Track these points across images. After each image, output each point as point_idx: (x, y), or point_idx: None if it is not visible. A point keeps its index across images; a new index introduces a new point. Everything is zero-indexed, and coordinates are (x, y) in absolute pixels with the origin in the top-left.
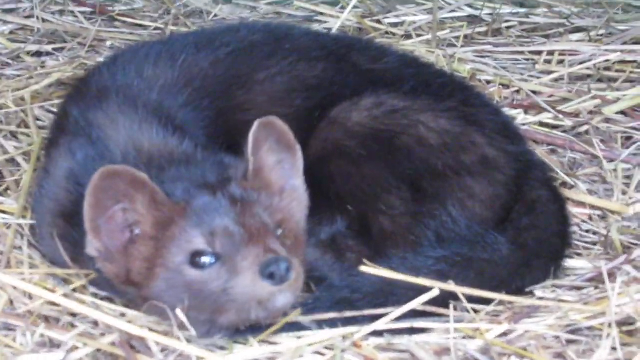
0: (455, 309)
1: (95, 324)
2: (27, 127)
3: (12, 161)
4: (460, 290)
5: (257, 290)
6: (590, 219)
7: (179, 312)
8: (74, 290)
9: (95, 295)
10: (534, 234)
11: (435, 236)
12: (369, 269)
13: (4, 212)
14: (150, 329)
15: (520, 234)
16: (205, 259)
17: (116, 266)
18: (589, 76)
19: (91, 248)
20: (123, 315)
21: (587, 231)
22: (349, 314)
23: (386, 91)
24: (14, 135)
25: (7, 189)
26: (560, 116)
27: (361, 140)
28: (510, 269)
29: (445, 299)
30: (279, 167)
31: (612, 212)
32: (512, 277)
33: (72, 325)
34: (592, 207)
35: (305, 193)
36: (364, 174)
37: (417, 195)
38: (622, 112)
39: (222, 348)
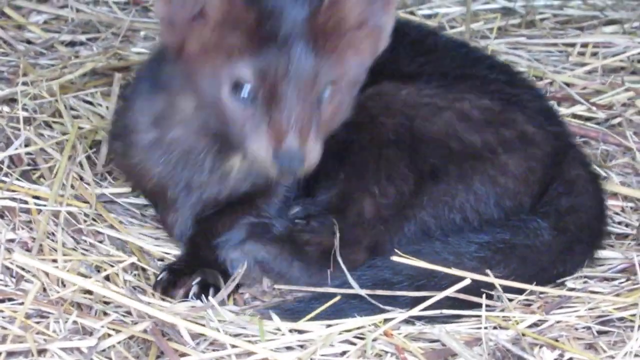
0: (490, 297)
1: (128, 311)
2: (60, 116)
3: (44, 151)
4: (494, 281)
5: (267, 162)
6: (623, 210)
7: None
8: (107, 277)
9: (127, 283)
10: (575, 217)
11: (452, 223)
12: (399, 258)
13: (37, 197)
14: (183, 317)
15: (562, 218)
16: (244, 93)
17: (175, 35)
18: (622, 68)
19: (159, 9)
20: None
21: (620, 223)
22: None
23: (434, 73)
24: (47, 125)
25: (40, 176)
26: (594, 108)
27: (397, 118)
28: (552, 255)
29: (478, 287)
30: (365, 1)
31: None
32: (554, 263)
33: (105, 313)
34: (625, 198)
35: (388, 37)
36: (380, 152)
37: (428, 185)
38: None
39: (253, 335)
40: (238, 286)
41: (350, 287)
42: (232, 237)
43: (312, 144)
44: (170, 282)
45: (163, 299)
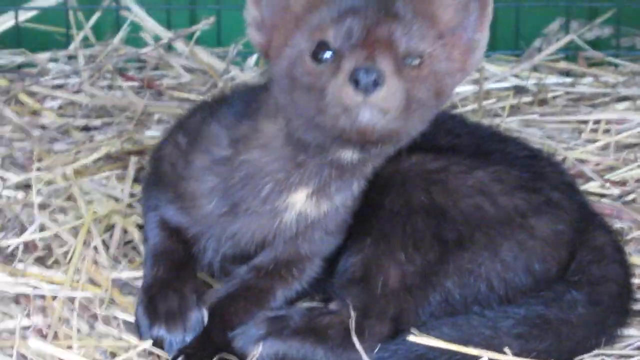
0: None
1: None
2: (75, 201)
3: (59, 236)
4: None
5: (343, 94)
6: (639, 287)
7: None
8: None
9: None
10: (607, 287)
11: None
12: (417, 338)
13: (52, 283)
14: None
15: (595, 289)
16: (326, 54)
17: (263, 36)
18: (635, 144)
19: (248, 15)
20: None
21: (636, 300)
22: None
23: (465, 147)
24: (62, 210)
25: (55, 261)
26: (607, 185)
27: (428, 182)
28: (587, 329)
29: None
30: (459, 10)
31: None
32: (588, 337)
33: None
34: None
35: (480, 58)
36: (407, 219)
37: (454, 252)
38: None
39: None
40: None
41: None
42: (250, 332)
43: (392, 75)
44: None
45: None
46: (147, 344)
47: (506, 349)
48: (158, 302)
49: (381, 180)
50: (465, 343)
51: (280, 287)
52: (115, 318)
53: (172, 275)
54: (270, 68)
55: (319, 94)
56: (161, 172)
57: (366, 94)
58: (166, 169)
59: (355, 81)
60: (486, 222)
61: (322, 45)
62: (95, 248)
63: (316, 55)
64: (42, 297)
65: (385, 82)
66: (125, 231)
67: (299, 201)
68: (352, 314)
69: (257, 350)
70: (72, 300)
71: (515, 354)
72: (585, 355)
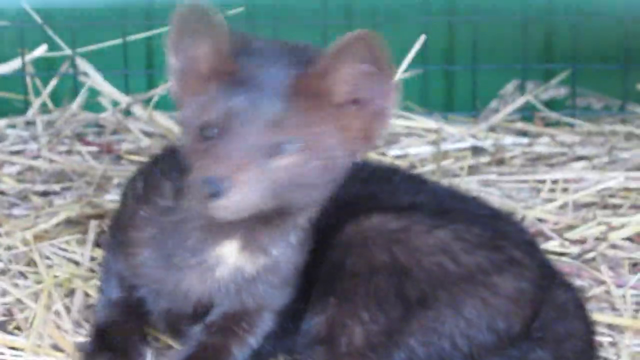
0: None
1: None
2: (35, 265)
3: (20, 301)
4: None
5: (194, 190)
6: (601, 345)
7: None
8: None
9: None
10: (572, 345)
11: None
12: None
13: (14, 348)
14: None
15: (560, 346)
16: (210, 132)
17: (179, 85)
18: (593, 203)
19: (169, 63)
20: None
21: (599, 357)
22: None
23: (427, 205)
24: (22, 274)
25: (16, 326)
26: (567, 243)
27: (390, 241)
28: None
29: None
30: (361, 81)
31: (624, 330)
32: None
33: None
34: (602, 333)
35: (387, 125)
36: (370, 278)
37: (417, 311)
38: (629, 238)
39: None
40: None
41: None
42: None
43: (245, 182)
44: None
45: None
46: None
47: None
48: (105, 341)
49: (343, 240)
50: None
51: (234, 343)
52: None
53: (122, 319)
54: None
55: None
56: (113, 222)
57: (211, 200)
58: (116, 217)
59: (207, 185)
60: (449, 280)
61: (207, 123)
62: (57, 312)
63: (202, 131)
64: None
65: (230, 192)
66: (86, 294)
67: (231, 255)
68: None
69: None
70: None
71: None
72: None
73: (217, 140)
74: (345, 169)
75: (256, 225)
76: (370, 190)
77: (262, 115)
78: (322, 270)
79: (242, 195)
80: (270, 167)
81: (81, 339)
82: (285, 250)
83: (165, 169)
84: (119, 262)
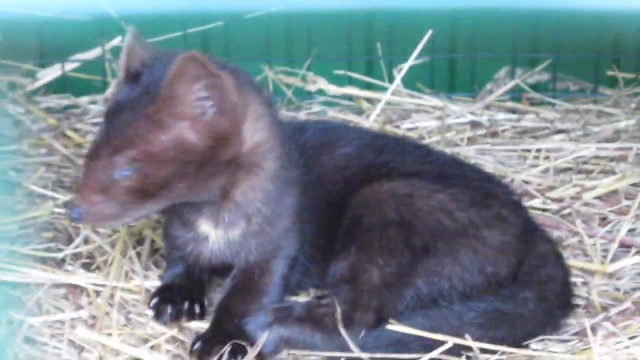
0: (468, 358)
1: None
2: None
3: (100, 247)
4: (471, 344)
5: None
6: (575, 285)
7: None
8: (152, 347)
9: (168, 352)
10: (552, 286)
11: (442, 289)
12: (395, 326)
13: (96, 284)
14: None
15: (542, 287)
16: None
17: None
18: (570, 169)
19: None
20: None
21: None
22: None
23: (429, 172)
24: None
25: (97, 267)
26: (548, 201)
27: (398, 201)
28: (536, 321)
29: (460, 349)
30: (204, 94)
31: (594, 273)
32: (537, 327)
33: None
34: (576, 275)
35: (232, 113)
36: (383, 232)
37: (422, 257)
38: (599, 198)
39: None
40: (261, 355)
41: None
42: (259, 319)
43: (93, 203)
44: (204, 350)
45: None
46: (174, 331)
47: (467, 336)
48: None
49: (360, 201)
50: (435, 331)
51: (260, 283)
52: (146, 314)
53: (183, 278)
54: None
55: None
56: None
57: (78, 221)
58: None
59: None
60: (447, 233)
61: None
62: (130, 257)
63: None
64: (88, 295)
65: (85, 212)
66: (153, 242)
67: (211, 231)
68: (338, 308)
69: (265, 335)
70: (112, 297)
71: (476, 340)
72: (532, 340)
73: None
74: (210, 163)
75: (209, 209)
76: (384, 159)
77: (96, 144)
78: (343, 226)
79: (98, 213)
80: (115, 188)
81: (149, 281)
82: (255, 219)
83: None
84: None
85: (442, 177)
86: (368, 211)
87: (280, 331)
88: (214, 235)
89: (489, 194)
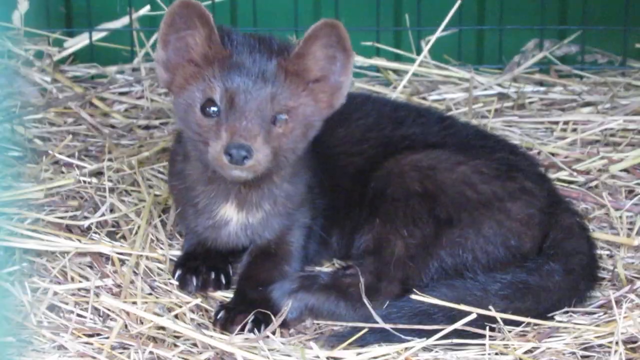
0: (492, 329)
1: (194, 343)
2: (138, 186)
3: (126, 215)
4: (495, 314)
5: (220, 160)
6: (600, 257)
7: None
8: (176, 316)
9: (193, 320)
10: (578, 259)
11: (465, 261)
12: (419, 297)
13: (120, 254)
14: (239, 347)
15: (568, 260)
16: (213, 109)
17: (168, 75)
18: (597, 141)
19: (157, 55)
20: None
21: (599, 268)
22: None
23: (453, 143)
24: (128, 193)
25: (122, 236)
26: (574, 173)
27: (422, 173)
28: (561, 293)
29: (484, 320)
30: (327, 61)
31: (620, 245)
32: (562, 300)
33: (175, 345)
34: (602, 247)
35: (345, 95)
36: (407, 203)
37: (446, 229)
38: (626, 170)
39: None
40: (285, 323)
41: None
42: (284, 286)
43: (260, 145)
44: (228, 319)
45: (222, 333)
46: (198, 300)
47: (490, 307)
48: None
49: (383, 174)
50: (459, 302)
51: (279, 253)
52: (171, 283)
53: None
54: (172, 102)
55: (202, 145)
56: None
57: (237, 164)
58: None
59: (229, 154)
60: (470, 205)
61: (209, 102)
62: (155, 226)
63: (204, 109)
64: (113, 263)
65: (254, 155)
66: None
67: (233, 214)
68: (362, 278)
69: (290, 302)
70: (137, 266)
71: (501, 311)
72: (556, 312)
73: (225, 116)
74: (315, 133)
75: (236, 193)
76: (406, 131)
77: (260, 93)
78: (367, 198)
79: (260, 159)
80: (272, 135)
81: (174, 250)
82: (280, 199)
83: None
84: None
85: (466, 149)
86: (392, 183)
87: (305, 298)
88: (235, 219)
89: (513, 166)
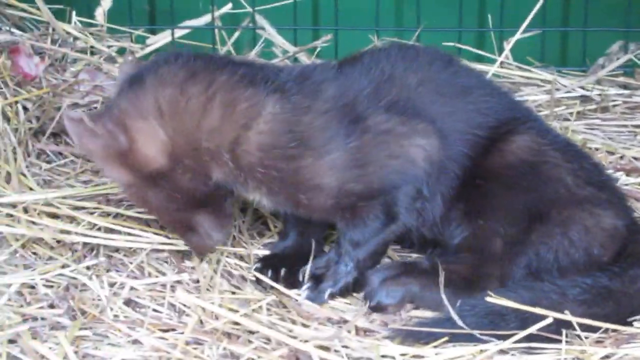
0: (566, 335)
1: (268, 339)
2: None
3: None
4: (571, 319)
5: None
6: None
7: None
8: (252, 311)
9: (270, 315)
10: None
11: (546, 261)
12: (493, 299)
13: None
14: (314, 345)
15: None
16: None
17: None
18: None
19: None
20: (291, 332)
21: None
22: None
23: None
24: None
25: None
26: None
27: (518, 169)
28: None
29: (560, 324)
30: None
31: None
32: None
33: (249, 341)
34: None
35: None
36: (504, 199)
37: (536, 225)
38: None
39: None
40: (382, 308)
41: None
42: (383, 271)
43: None
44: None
45: (304, 325)
46: (273, 297)
47: (566, 312)
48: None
49: (486, 170)
50: (535, 305)
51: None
52: (247, 280)
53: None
54: None
55: None
56: None
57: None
58: None
59: None
60: (561, 203)
61: None
62: (237, 226)
63: None
64: (190, 259)
65: None
66: (256, 210)
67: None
68: (441, 272)
69: (385, 286)
70: (216, 262)
71: (579, 316)
72: (636, 317)
73: None
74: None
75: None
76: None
77: None
78: (466, 192)
79: None
80: None
81: (254, 248)
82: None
83: None
84: None
85: (564, 151)
86: (493, 180)
87: (406, 282)
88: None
89: (604, 176)
